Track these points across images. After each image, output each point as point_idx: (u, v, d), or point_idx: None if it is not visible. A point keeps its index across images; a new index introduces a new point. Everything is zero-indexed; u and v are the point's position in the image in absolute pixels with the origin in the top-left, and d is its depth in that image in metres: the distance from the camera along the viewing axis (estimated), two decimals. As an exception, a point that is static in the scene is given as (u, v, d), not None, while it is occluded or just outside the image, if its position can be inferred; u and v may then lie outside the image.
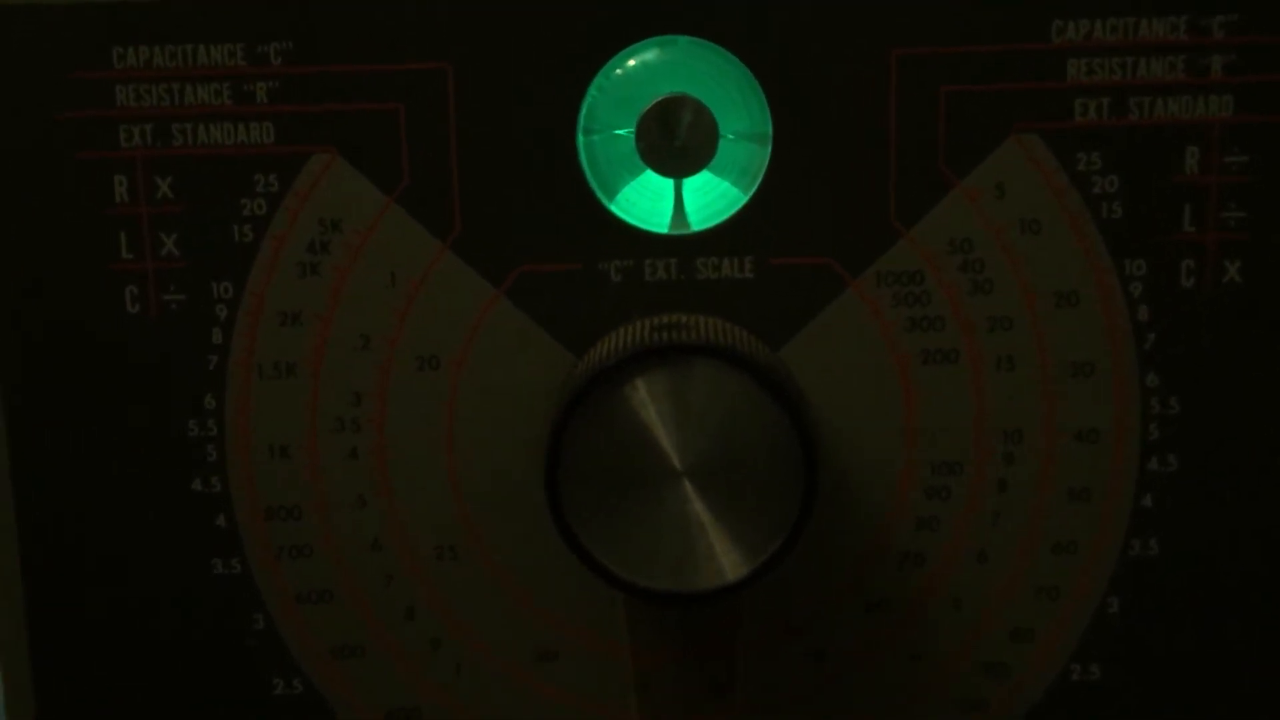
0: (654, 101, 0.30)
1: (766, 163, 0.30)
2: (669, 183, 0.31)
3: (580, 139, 0.30)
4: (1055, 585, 0.32)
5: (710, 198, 0.32)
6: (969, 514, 0.32)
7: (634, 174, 0.31)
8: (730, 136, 0.31)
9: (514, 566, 0.32)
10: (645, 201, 0.32)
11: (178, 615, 0.32)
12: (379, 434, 0.31)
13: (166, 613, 0.32)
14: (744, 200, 0.31)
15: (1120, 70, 0.30)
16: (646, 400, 0.28)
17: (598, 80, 0.30)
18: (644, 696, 0.32)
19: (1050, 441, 0.31)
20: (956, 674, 0.32)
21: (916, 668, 0.32)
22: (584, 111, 0.30)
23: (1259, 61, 0.30)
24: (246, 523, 0.32)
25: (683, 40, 0.30)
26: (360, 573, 0.32)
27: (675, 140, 0.31)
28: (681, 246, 0.31)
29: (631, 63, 0.31)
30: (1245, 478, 0.31)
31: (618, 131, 0.31)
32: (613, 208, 0.31)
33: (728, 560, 0.28)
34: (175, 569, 0.32)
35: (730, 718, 0.32)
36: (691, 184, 0.32)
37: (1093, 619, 0.32)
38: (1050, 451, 0.31)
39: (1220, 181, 0.30)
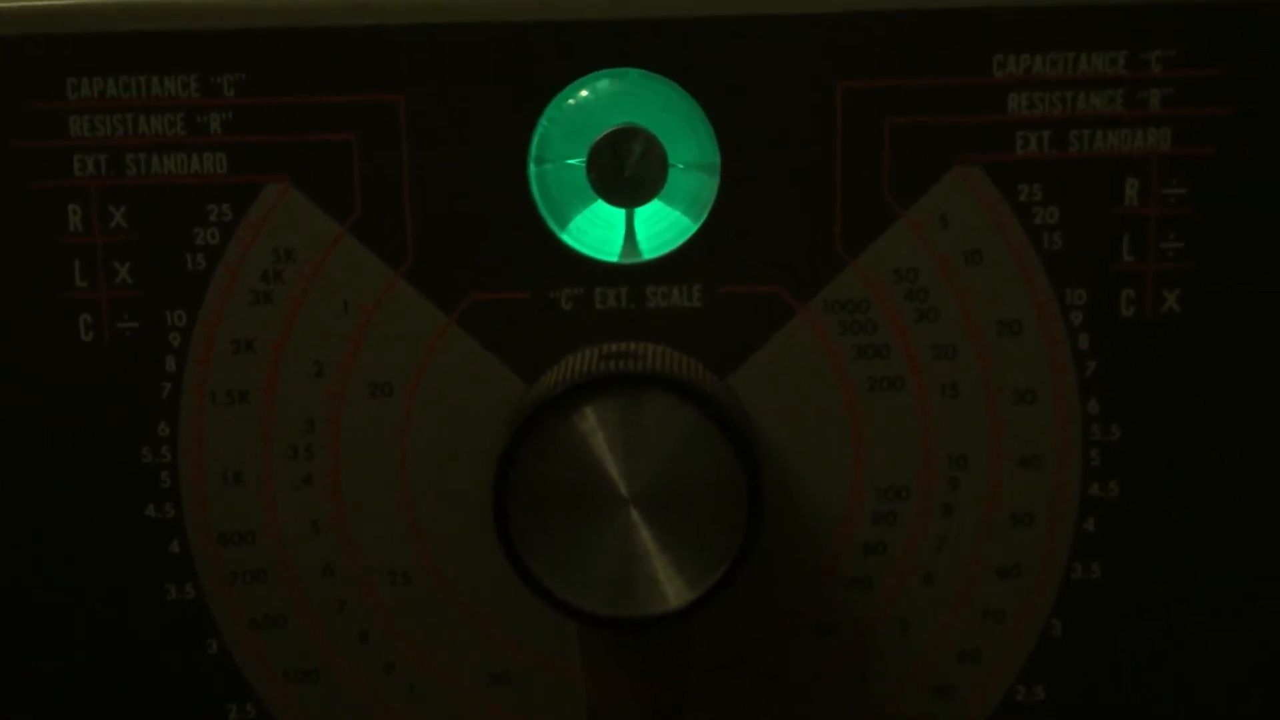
0: (605, 132, 0.31)
1: (716, 193, 0.31)
2: (620, 212, 0.32)
3: (532, 169, 0.31)
4: (1001, 608, 0.32)
5: (661, 227, 0.32)
6: (916, 538, 0.32)
7: (586, 203, 0.32)
8: (680, 166, 0.31)
9: (466, 591, 0.32)
10: (597, 230, 0.32)
11: (132, 641, 0.32)
12: (332, 460, 0.31)
13: (121, 638, 0.32)
14: (694, 229, 0.31)
15: (1060, 104, 0.30)
16: (595, 428, 0.28)
17: (549, 111, 0.31)
18: None
19: (994, 467, 0.32)
20: (905, 695, 0.33)
21: (865, 689, 0.33)
22: (535, 141, 0.31)
23: (1196, 95, 0.30)
24: (200, 548, 0.32)
25: (633, 72, 0.31)
26: (313, 598, 0.32)
27: (625, 170, 0.31)
28: (631, 275, 0.31)
29: (583, 94, 0.31)
30: (1184, 502, 0.32)
31: (569, 161, 0.31)
32: (564, 237, 0.31)
33: (672, 588, 0.28)
34: (129, 595, 0.32)
35: (681, 740, 0.33)
36: (643, 213, 0.32)
37: (1038, 641, 0.32)
38: (994, 477, 0.32)
39: (1159, 213, 0.31)
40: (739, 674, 0.33)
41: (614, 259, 0.31)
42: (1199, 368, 0.31)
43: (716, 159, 0.31)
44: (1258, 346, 0.31)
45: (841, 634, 0.32)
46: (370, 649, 0.32)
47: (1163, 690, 0.33)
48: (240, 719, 0.32)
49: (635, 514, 0.29)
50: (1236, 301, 0.31)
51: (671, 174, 0.31)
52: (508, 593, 0.31)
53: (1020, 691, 0.33)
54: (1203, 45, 0.30)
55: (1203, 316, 0.31)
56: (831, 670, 0.33)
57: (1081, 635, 0.32)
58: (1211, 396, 0.31)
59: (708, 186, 0.31)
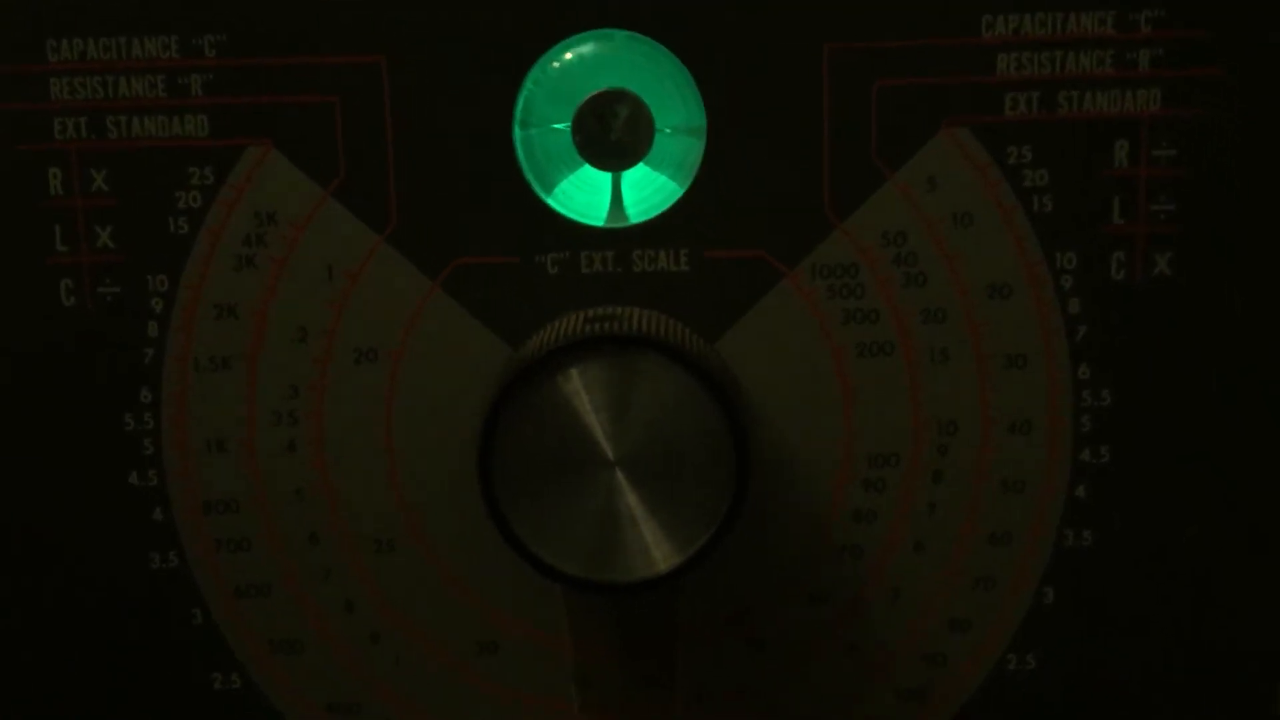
0: (590, 95, 0.31)
1: (702, 156, 0.31)
2: (607, 176, 0.32)
3: (517, 132, 0.31)
4: (991, 576, 0.32)
5: (648, 191, 0.32)
6: (906, 505, 0.32)
7: (571, 167, 0.31)
8: (666, 130, 0.31)
9: (453, 559, 0.32)
10: (583, 195, 0.32)
11: (115, 610, 0.32)
12: (317, 427, 0.31)
13: (104, 607, 0.32)
14: (681, 193, 0.31)
15: (1049, 65, 0.30)
16: (580, 390, 0.28)
17: (534, 74, 0.30)
18: (584, 688, 0.32)
19: (984, 433, 0.32)
20: (895, 663, 0.33)
21: (856, 657, 0.33)
22: (520, 105, 0.31)
23: (1186, 56, 0.30)
24: (184, 517, 0.32)
25: (619, 34, 0.30)
26: (299, 566, 0.32)
27: (611, 134, 0.31)
28: (617, 239, 0.31)
29: (568, 56, 0.31)
30: (1176, 468, 0.32)
31: (555, 125, 0.31)
32: (550, 201, 0.31)
33: (659, 551, 0.28)
34: (112, 563, 0.32)
35: (671, 708, 0.33)
36: (630, 177, 0.32)
37: (1029, 609, 0.32)
38: (984, 443, 0.32)
39: (1149, 174, 0.31)
40: (729, 643, 0.32)
41: (600, 223, 0.31)
42: (1190, 331, 0.31)
43: (703, 122, 0.30)
44: (1248, 309, 0.31)
45: (831, 602, 0.32)
46: (356, 618, 0.32)
47: (1154, 657, 0.32)
48: (225, 688, 0.32)
49: (621, 477, 0.28)
50: (1227, 264, 0.31)
51: (658, 138, 0.31)
52: (495, 561, 0.31)
53: (1011, 660, 0.32)
54: (1191, 5, 0.30)
55: (1194, 279, 0.31)
56: (822, 638, 0.32)
57: (1073, 602, 0.32)
58: (1203, 360, 0.31)
59: (694, 150, 0.31)
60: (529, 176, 0.31)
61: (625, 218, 0.31)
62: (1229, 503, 0.32)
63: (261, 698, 0.32)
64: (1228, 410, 0.31)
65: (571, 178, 0.31)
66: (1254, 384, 0.31)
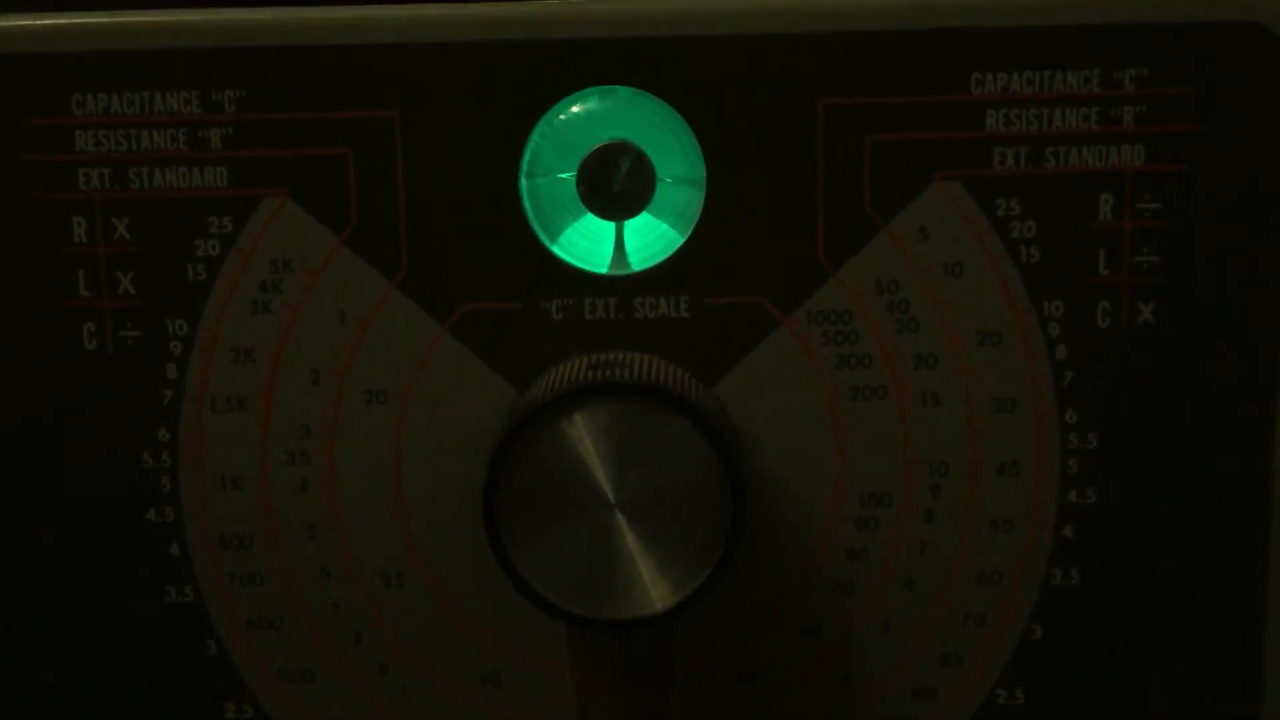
0: (595, 147, 0.32)
1: (702, 206, 0.32)
2: (610, 225, 0.33)
3: (523, 182, 0.32)
4: (981, 613, 0.33)
5: (649, 239, 0.33)
6: (897, 544, 0.33)
7: (576, 216, 0.32)
8: (668, 180, 0.32)
9: (458, 593, 0.33)
10: (587, 243, 0.33)
11: (131, 642, 0.33)
12: (328, 466, 0.32)
13: (120, 639, 0.33)
14: (681, 242, 0.32)
15: (1037, 121, 0.31)
16: (583, 434, 0.29)
17: (540, 127, 0.31)
18: (586, 719, 0.33)
19: (974, 474, 0.32)
20: (886, 698, 0.33)
21: (848, 691, 0.33)
22: (527, 156, 0.31)
23: (1167, 113, 0.31)
24: (199, 551, 0.32)
25: (622, 90, 0.31)
26: (309, 599, 0.33)
27: (615, 184, 0.32)
28: (620, 287, 0.32)
29: (574, 110, 0.32)
30: (1160, 509, 0.32)
31: (560, 175, 0.32)
32: (555, 249, 0.32)
33: (656, 591, 0.29)
34: (129, 596, 0.33)
35: (668, 740, 0.34)
36: (632, 225, 0.33)
37: (1017, 645, 0.33)
38: (974, 484, 0.32)
39: (1133, 227, 0.32)
40: (724, 676, 0.33)
41: (603, 270, 0.32)
42: (1173, 377, 0.32)
43: (703, 173, 0.31)
44: (1230, 355, 0.32)
45: (824, 637, 0.33)
46: (364, 650, 0.33)
47: (1141, 694, 0.33)
48: (237, 718, 0.33)
49: (621, 518, 0.29)
50: (1209, 312, 0.32)
51: (659, 188, 0.32)
52: (499, 595, 0.32)
53: (1000, 695, 0.33)
54: (1173, 64, 0.31)
55: (1176, 327, 0.32)
56: (815, 672, 0.33)
57: (1061, 640, 0.33)
58: (1186, 405, 0.32)
59: (694, 200, 0.32)
60: (535, 225, 0.32)
61: (627, 265, 0.32)
62: (1211, 543, 0.32)
63: (273, 727, 0.33)
64: (1209, 453, 0.32)
65: (576, 226, 0.32)
66: (1234, 429, 0.32)
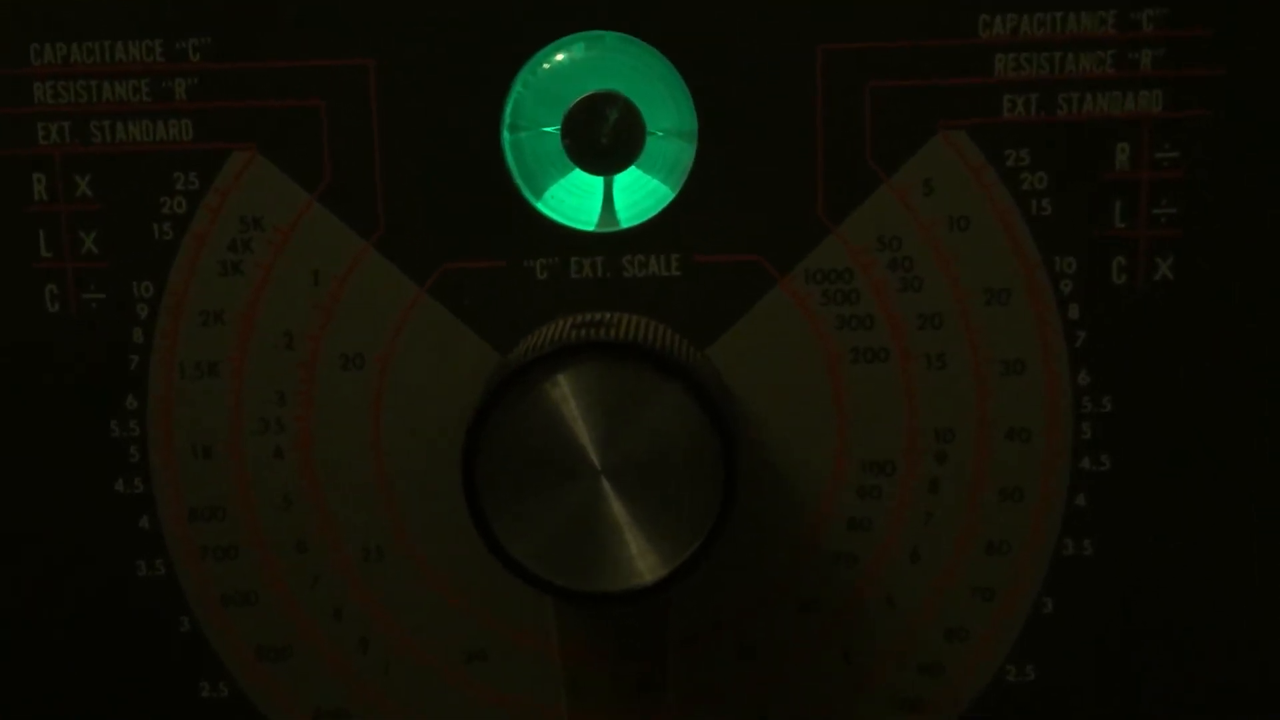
0: (581, 98, 0.30)
1: (694, 160, 0.30)
2: (598, 180, 0.31)
3: (506, 135, 0.30)
4: (989, 585, 0.32)
5: (639, 194, 0.32)
6: (901, 514, 0.32)
7: (562, 171, 0.31)
8: (658, 133, 0.31)
9: (442, 566, 0.32)
10: (573, 199, 0.31)
11: (102, 618, 0.32)
12: (303, 433, 0.31)
13: (91, 615, 0.32)
14: (672, 197, 0.31)
15: (1048, 66, 0.30)
16: (567, 396, 0.28)
17: (523, 76, 0.30)
18: (574, 695, 0.32)
19: (982, 440, 0.31)
20: (891, 673, 0.32)
21: (850, 667, 0.32)
22: (509, 108, 0.30)
23: (1189, 56, 0.30)
24: (170, 524, 0.31)
25: (609, 36, 0.30)
26: (286, 573, 0.32)
27: (602, 137, 0.30)
28: (608, 244, 0.31)
29: (558, 58, 0.30)
30: (1177, 477, 0.31)
31: (544, 128, 0.31)
32: (539, 205, 0.31)
33: (645, 562, 0.28)
34: (98, 571, 0.32)
35: (661, 716, 0.32)
36: (621, 180, 0.31)
37: (1028, 619, 0.32)
38: (982, 451, 0.31)
39: (1151, 177, 0.30)
40: (720, 652, 0.32)
41: (590, 227, 0.31)
42: (1193, 337, 0.31)
43: (694, 125, 0.30)
44: (1251, 314, 0.30)
45: (826, 611, 0.32)
46: (344, 625, 0.32)
47: (1155, 669, 0.32)
48: (212, 696, 0.32)
49: (607, 485, 0.28)
50: (1230, 268, 0.30)
51: (649, 141, 0.30)
52: (483, 568, 0.30)
53: (1010, 670, 0.32)
54: (1195, 3, 0.29)
55: (1196, 284, 0.30)
56: (816, 648, 0.32)
57: (1073, 613, 0.32)
58: (1205, 367, 0.31)
59: (686, 153, 0.30)
60: (518, 180, 0.30)
61: (616, 222, 0.31)
62: (1230, 511, 0.31)
63: (249, 705, 0.32)
64: (1230, 418, 0.31)
65: (561, 181, 0.31)
66: (1257, 391, 0.31)
